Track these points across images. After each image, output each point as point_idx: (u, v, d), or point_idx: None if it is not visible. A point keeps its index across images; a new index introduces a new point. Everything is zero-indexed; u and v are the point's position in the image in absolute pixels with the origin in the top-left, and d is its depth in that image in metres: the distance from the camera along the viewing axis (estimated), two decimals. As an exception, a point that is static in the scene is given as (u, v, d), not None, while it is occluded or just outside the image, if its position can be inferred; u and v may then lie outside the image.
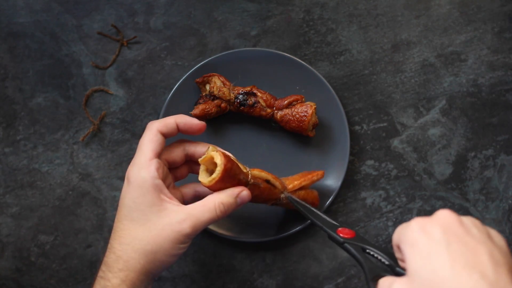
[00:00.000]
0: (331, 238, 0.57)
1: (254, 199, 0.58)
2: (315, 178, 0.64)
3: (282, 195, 0.61)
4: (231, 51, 0.69)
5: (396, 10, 0.74)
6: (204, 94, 0.69)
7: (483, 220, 0.69)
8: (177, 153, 0.58)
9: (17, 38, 0.73)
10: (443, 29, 0.73)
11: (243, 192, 0.54)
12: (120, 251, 0.52)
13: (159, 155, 0.55)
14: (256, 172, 0.58)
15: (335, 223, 0.58)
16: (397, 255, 0.46)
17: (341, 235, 0.56)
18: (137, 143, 0.70)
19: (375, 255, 0.53)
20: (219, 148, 0.54)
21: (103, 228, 0.69)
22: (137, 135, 0.71)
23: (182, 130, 0.57)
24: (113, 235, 0.54)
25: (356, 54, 0.73)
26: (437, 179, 0.70)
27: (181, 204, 0.53)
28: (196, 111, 0.67)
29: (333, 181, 0.67)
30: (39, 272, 0.68)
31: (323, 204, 0.67)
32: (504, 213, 0.70)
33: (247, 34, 0.73)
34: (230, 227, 0.67)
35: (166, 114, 0.68)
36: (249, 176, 0.55)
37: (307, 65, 0.69)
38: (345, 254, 0.69)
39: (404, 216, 0.69)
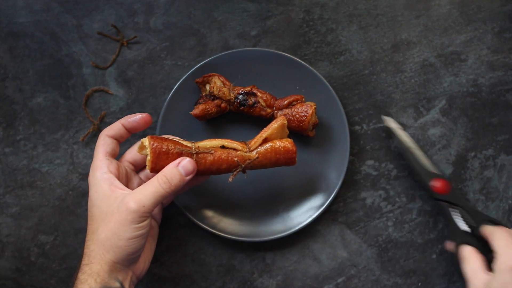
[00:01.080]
0: (424, 189, 0.66)
1: (216, 168, 0.58)
2: (274, 125, 0.61)
3: (251, 154, 0.59)
4: (231, 51, 0.69)
5: (396, 10, 0.74)
6: (204, 94, 0.69)
7: (483, 220, 0.70)
8: (131, 150, 0.62)
9: (17, 38, 0.73)
10: (443, 29, 0.73)
11: (183, 161, 0.55)
12: (86, 248, 0.54)
13: (113, 155, 0.59)
14: (206, 142, 0.59)
15: (433, 171, 0.65)
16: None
17: (435, 187, 0.65)
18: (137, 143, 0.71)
19: (463, 215, 0.63)
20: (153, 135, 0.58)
21: (103, 228, 0.69)
22: (137, 135, 0.71)
23: (129, 128, 0.60)
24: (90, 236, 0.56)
25: (356, 54, 0.73)
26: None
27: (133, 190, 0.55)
28: (196, 111, 0.67)
29: (333, 181, 0.67)
30: (39, 272, 0.68)
31: (323, 204, 0.67)
32: (504, 213, 0.70)
33: (247, 34, 0.73)
34: (230, 227, 0.67)
35: (166, 114, 0.68)
36: (193, 148, 0.57)
37: (307, 65, 0.69)
38: (345, 254, 0.69)
39: (404, 216, 0.69)
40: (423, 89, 0.72)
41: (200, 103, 0.68)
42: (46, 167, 0.70)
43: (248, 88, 0.68)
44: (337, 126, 0.68)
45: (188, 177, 0.55)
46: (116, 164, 0.58)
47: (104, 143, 0.59)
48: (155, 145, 0.55)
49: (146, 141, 0.56)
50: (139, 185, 0.62)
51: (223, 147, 0.59)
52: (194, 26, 0.73)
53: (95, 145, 0.70)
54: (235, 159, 0.58)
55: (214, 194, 0.68)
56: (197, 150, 0.57)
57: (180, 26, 0.73)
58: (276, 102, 0.67)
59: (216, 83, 0.68)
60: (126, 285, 0.55)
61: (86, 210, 0.69)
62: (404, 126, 0.71)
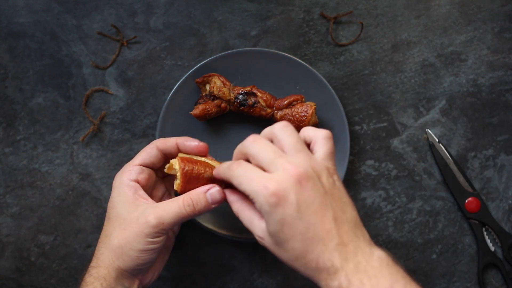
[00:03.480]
0: (459, 207, 0.69)
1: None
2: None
3: None
4: (231, 51, 0.69)
5: (396, 10, 0.74)
6: (204, 94, 0.69)
7: (483, 220, 0.70)
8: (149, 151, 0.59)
9: (17, 38, 0.73)
10: (443, 29, 0.73)
11: (213, 189, 0.53)
12: (97, 251, 0.54)
13: (149, 165, 0.57)
14: None
15: (469, 190, 0.68)
16: None
17: (470, 207, 0.68)
18: (137, 143, 0.71)
19: (492, 233, 0.68)
20: (184, 155, 0.57)
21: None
22: (137, 135, 0.71)
23: (181, 149, 0.58)
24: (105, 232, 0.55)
25: (356, 54, 0.73)
26: (437, 179, 0.70)
27: (155, 202, 0.54)
28: (196, 111, 0.67)
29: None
30: (39, 272, 0.68)
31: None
32: (504, 213, 0.70)
33: (247, 34, 0.73)
34: (230, 227, 0.67)
35: (166, 114, 0.68)
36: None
37: (307, 65, 0.69)
38: (345, 254, 0.69)
39: (404, 216, 0.69)
40: (423, 89, 0.72)
41: (200, 103, 0.68)
42: (46, 167, 0.70)
43: (248, 88, 0.68)
44: (337, 126, 0.68)
45: (214, 206, 0.54)
46: (147, 174, 0.57)
47: (150, 151, 0.57)
48: (186, 169, 0.54)
49: (176, 164, 0.55)
50: (164, 194, 0.61)
51: None
52: (194, 26, 0.73)
53: (95, 145, 0.70)
54: None
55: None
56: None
57: (180, 26, 0.73)
58: (276, 102, 0.67)
59: (216, 83, 0.68)
60: None
61: (86, 210, 0.69)
62: (404, 126, 0.71)
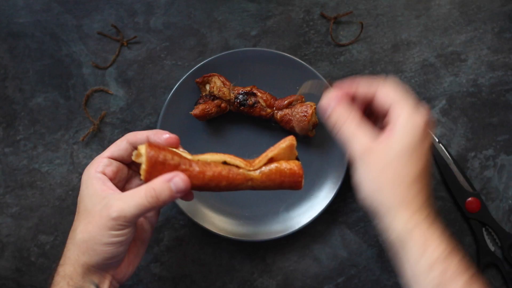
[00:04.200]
0: (458, 207, 0.69)
1: (215, 184, 0.53)
2: (282, 144, 0.54)
3: (254, 173, 0.54)
4: (231, 51, 0.69)
5: (396, 10, 0.74)
6: (204, 94, 0.69)
7: (483, 220, 0.70)
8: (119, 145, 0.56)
9: (17, 38, 0.73)
10: (443, 29, 0.73)
11: (176, 177, 0.50)
12: (65, 248, 0.52)
13: (118, 159, 0.55)
14: (208, 156, 0.54)
15: (469, 190, 0.68)
16: None
17: (469, 206, 0.68)
18: (137, 143, 0.71)
19: (492, 233, 0.68)
20: (153, 142, 0.53)
21: (103, 228, 0.69)
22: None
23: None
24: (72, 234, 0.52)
25: (356, 54, 0.73)
26: (437, 179, 0.70)
27: (122, 193, 0.51)
28: (196, 111, 0.67)
29: (333, 181, 0.67)
30: (39, 272, 0.68)
31: (323, 204, 0.67)
32: (504, 213, 0.70)
33: (247, 34, 0.73)
34: (230, 227, 0.67)
35: (166, 114, 0.68)
36: (192, 163, 0.52)
37: (307, 65, 0.69)
38: (345, 254, 0.69)
39: (404, 216, 0.69)
40: (423, 89, 0.72)
41: (200, 103, 0.68)
42: (46, 167, 0.70)
43: (248, 88, 0.68)
44: (337, 126, 0.68)
45: (178, 195, 0.50)
46: (116, 167, 0.54)
47: (119, 145, 0.55)
48: (151, 153, 0.50)
49: (142, 148, 0.51)
50: (133, 186, 0.57)
51: (225, 162, 0.54)
52: (194, 26, 0.73)
53: (95, 145, 0.70)
54: (250, 174, 0.54)
55: (214, 194, 0.68)
56: (196, 167, 0.52)
57: (180, 26, 0.73)
58: (276, 102, 0.67)
59: (216, 83, 0.68)
60: None
61: (86, 210, 0.69)
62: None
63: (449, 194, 0.70)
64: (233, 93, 0.67)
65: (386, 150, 0.50)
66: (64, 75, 0.72)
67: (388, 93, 0.52)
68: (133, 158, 0.53)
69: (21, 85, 0.72)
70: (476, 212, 0.68)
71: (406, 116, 0.50)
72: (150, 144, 0.51)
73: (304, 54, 0.73)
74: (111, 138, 0.71)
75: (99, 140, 0.71)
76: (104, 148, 0.70)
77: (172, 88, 0.69)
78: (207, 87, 0.68)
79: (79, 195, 0.53)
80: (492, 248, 0.68)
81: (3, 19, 0.73)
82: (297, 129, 0.66)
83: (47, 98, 0.71)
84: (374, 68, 0.72)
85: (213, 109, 0.67)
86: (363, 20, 0.73)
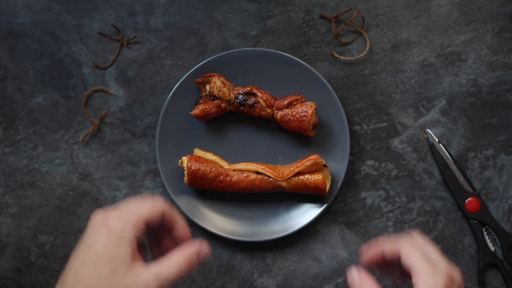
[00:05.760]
0: (458, 206, 0.69)
1: (249, 191, 0.65)
2: (307, 162, 0.65)
3: (283, 183, 0.65)
4: (231, 51, 0.69)
5: (396, 10, 0.74)
6: (204, 94, 0.69)
7: (483, 220, 0.70)
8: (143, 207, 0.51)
9: (17, 38, 0.73)
10: (443, 29, 0.73)
11: (203, 251, 0.49)
12: None
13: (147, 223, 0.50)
14: (242, 165, 0.66)
15: (469, 190, 0.68)
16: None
17: (470, 207, 0.68)
18: (137, 143, 0.71)
19: (492, 233, 0.68)
20: (198, 150, 0.66)
21: (103, 228, 0.69)
22: (137, 135, 0.71)
23: (166, 227, 0.52)
24: (71, 285, 0.46)
25: (356, 54, 0.73)
26: (437, 179, 0.70)
27: (146, 264, 0.48)
28: (196, 111, 0.67)
29: (333, 181, 0.67)
30: (39, 272, 0.68)
31: (323, 204, 0.67)
32: (504, 213, 0.70)
33: (247, 34, 0.73)
34: (230, 227, 0.67)
35: (166, 114, 0.68)
36: (228, 174, 0.65)
37: (307, 65, 0.69)
38: (345, 254, 0.69)
39: (404, 216, 0.69)
40: (423, 89, 0.72)
41: (200, 103, 0.68)
42: (46, 167, 0.70)
43: (248, 88, 0.68)
44: (337, 126, 0.68)
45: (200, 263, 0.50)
46: (143, 231, 0.49)
47: (153, 212, 0.49)
48: (192, 167, 0.64)
49: (185, 161, 0.65)
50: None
51: (257, 172, 0.65)
52: (194, 26, 0.73)
53: (95, 145, 0.70)
54: (280, 183, 0.65)
55: (214, 194, 0.68)
56: (234, 177, 0.65)
57: (180, 26, 0.73)
58: (276, 102, 0.67)
59: (216, 83, 0.68)
60: None
61: (86, 210, 0.69)
62: (404, 126, 0.71)
63: (449, 194, 0.70)
64: (233, 93, 0.67)
65: None
66: (64, 75, 0.72)
67: (408, 256, 0.49)
68: (179, 164, 0.66)
69: (21, 85, 0.72)
70: (476, 212, 0.68)
71: (424, 285, 0.47)
72: (191, 158, 0.65)
73: (304, 54, 0.73)
74: (111, 138, 0.71)
75: (99, 140, 0.71)
76: (104, 148, 0.70)
77: (172, 88, 0.69)
78: (207, 87, 0.68)
79: (109, 248, 0.47)
80: (492, 248, 0.68)
81: (3, 19, 0.73)
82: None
83: (47, 98, 0.71)
84: (374, 68, 0.72)
85: (213, 109, 0.67)
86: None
